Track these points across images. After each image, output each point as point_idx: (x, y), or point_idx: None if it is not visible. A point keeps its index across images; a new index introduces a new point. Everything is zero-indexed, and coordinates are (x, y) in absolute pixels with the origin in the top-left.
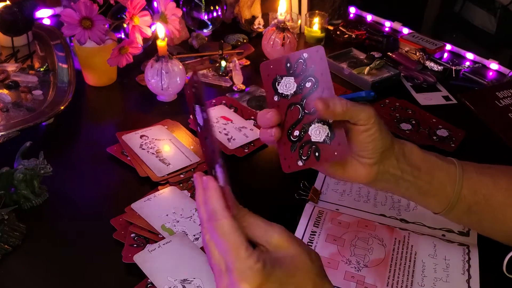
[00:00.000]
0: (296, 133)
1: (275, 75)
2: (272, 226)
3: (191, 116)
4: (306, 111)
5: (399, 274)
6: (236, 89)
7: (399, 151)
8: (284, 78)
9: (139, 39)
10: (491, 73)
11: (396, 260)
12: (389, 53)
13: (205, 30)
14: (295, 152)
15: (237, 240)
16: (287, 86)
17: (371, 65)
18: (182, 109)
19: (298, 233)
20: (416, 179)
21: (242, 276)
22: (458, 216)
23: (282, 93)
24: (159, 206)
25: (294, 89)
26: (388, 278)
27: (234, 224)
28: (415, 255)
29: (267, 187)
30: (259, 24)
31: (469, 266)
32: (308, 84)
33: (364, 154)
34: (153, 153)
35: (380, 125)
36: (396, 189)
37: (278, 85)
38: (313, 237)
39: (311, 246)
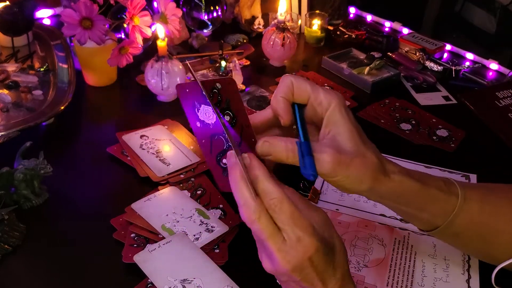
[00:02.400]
0: (224, 161)
1: (193, 101)
2: (318, 208)
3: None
4: (229, 144)
5: (399, 274)
6: None
7: (386, 190)
8: (202, 105)
9: (139, 39)
10: (491, 73)
11: (396, 260)
12: (389, 53)
13: (205, 30)
14: (227, 176)
15: (299, 215)
16: (206, 114)
17: (371, 65)
18: (182, 109)
19: None
20: (402, 206)
21: (310, 241)
22: (445, 238)
23: (203, 121)
24: (159, 206)
25: (214, 120)
26: (388, 278)
27: (290, 201)
28: (415, 255)
29: None
30: (259, 24)
31: (469, 266)
32: (227, 118)
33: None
34: (153, 153)
35: (346, 176)
36: (379, 203)
37: (198, 111)
38: None
39: None
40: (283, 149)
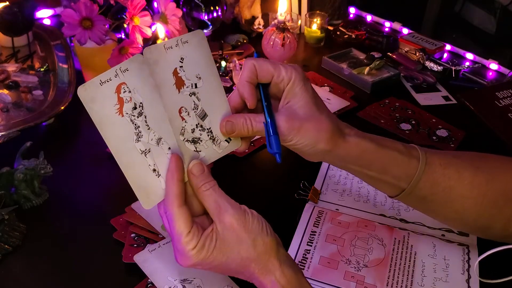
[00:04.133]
0: None
1: None
2: (227, 208)
3: None
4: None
5: (398, 274)
6: None
7: (345, 152)
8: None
9: (139, 40)
10: (490, 73)
11: (396, 260)
12: (389, 53)
13: (205, 31)
14: None
15: (179, 229)
16: None
17: (371, 65)
18: None
19: (298, 233)
20: (364, 169)
21: (179, 256)
22: (413, 202)
23: None
24: None
25: None
26: (388, 278)
27: (178, 213)
28: (415, 255)
29: (267, 187)
30: (259, 24)
31: (469, 266)
32: None
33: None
34: None
35: (300, 138)
36: (346, 170)
37: None
38: (313, 237)
39: (311, 246)
40: (241, 125)
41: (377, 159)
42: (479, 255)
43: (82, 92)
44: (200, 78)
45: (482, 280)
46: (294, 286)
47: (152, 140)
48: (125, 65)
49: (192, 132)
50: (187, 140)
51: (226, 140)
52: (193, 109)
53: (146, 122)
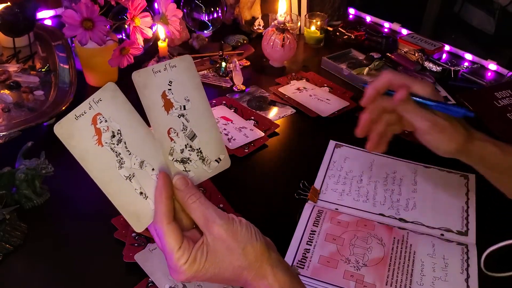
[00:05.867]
0: None
1: None
2: (215, 218)
3: None
4: None
5: (398, 273)
6: (236, 90)
7: (471, 152)
8: None
9: (140, 40)
10: (489, 74)
11: (395, 259)
12: (388, 53)
13: (205, 31)
14: None
15: (170, 245)
16: None
17: (370, 66)
18: None
19: (298, 232)
20: (487, 170)
21: (172, 271)
22: None
23: None
24: None
25: None
26: (387, 277)
27: (168, 230)
28: (414, 254)
29: (267, 187)
30: (259, 25)
31: (468, 265)
32: None
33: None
34: None
35: (439, 135)
36: (474, 168)
37: None
38: (312, 237)
39: (311, 245)
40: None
41: (499, 163)
42: (479, 253)
43: (59, 129)
44: (188, 100)
45: (488, 273)
46: None
47: (135, 164)
48: (97, 95)
49: (181, 153)
50: (176, 160)
51: (216, 160)
52: (182, 130)
53: (127, 148)
